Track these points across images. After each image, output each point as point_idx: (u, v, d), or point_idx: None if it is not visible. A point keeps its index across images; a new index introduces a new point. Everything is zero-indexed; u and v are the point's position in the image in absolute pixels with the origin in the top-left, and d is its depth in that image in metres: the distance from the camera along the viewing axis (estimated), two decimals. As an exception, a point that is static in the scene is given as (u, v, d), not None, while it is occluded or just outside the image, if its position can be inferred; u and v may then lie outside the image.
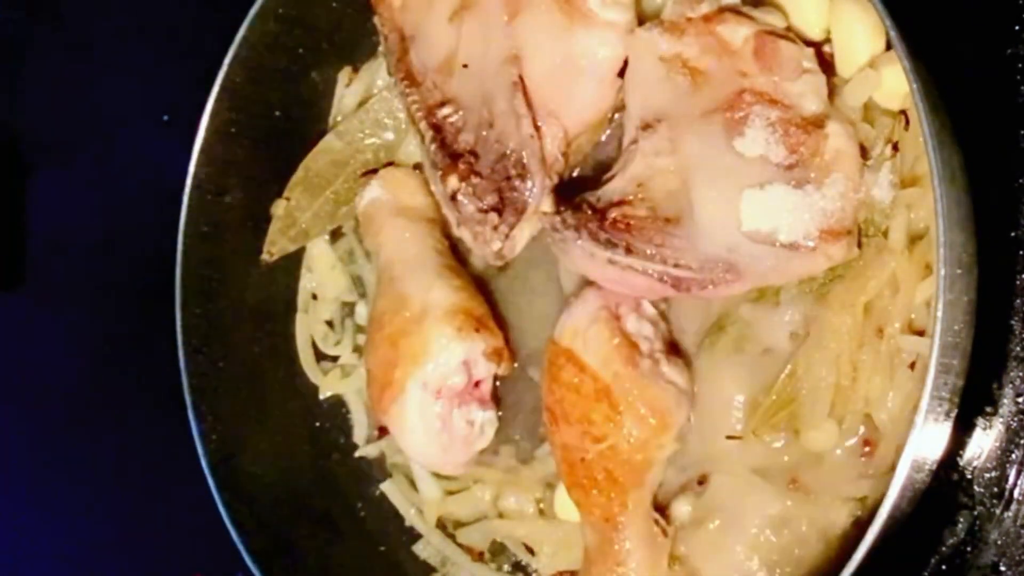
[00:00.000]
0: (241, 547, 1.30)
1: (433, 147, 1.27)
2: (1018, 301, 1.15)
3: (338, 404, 1.46)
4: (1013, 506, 1.14)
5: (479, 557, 1.36)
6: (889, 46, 1.08)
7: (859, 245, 1.09)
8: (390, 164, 1.39)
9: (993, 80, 1.17)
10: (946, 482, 1.15)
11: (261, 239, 1.42)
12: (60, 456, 1.72)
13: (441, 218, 1.33)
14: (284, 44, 1.39)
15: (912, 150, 1.09)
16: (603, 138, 1.28)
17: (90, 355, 1.72)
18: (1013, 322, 1.15)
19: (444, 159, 1.26)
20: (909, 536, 1.11)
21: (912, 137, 1.09)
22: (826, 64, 1.13)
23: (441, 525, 1.38)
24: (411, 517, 1.40)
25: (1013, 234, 1.15)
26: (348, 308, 1.45)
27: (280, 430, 1.43)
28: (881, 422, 1.09)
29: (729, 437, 1.16)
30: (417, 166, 1.37)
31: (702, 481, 1.19)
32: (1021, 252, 1.15)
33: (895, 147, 1.10)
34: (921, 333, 1.09)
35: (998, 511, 1.15)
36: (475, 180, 1.24)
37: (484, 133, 1.25)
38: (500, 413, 1.31)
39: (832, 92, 1.11)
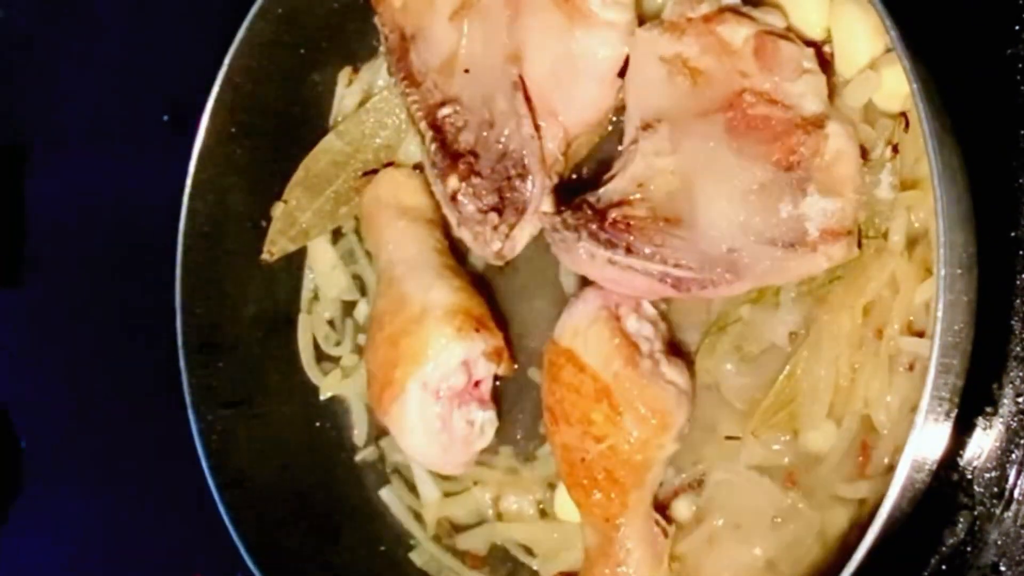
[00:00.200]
0: (241, 547, 1.30)
1: (433, 147, 1.27)
2: (1018, 301, 1.15)
3: (338, 404, 1.46)
4: (1013, 506, 1.14)
5: (479, 563, 1.36)
6: (889, 47, 1.08)
7: (859, 246, 1.09)
8: (390, 164, 1.40)
9: (993, 80, 1.17)
10: (946, 482, 1.15)
11: (261, 239, 1.42)
12: (60, 456, 1.73)
13: (441, 218, 1.33)
14: (284, 44, 1.39)
15: (912, 152, 1.09)
16: (603, 138, 1.28)
17: (90, 354, 1.72)
18: (1013, 322, 1.15)
19: (444, 159, 1.26)
20: (909, 536, 1.10)
21: (912, 139, 1.09)
22: (826, 64, 1.13)
23: (441, 530, 1.38)
24: (409, 524, 1.40)
25: (1013, 234, 1.15)
26: (348, 308, 1.45)
27: (280, 430, 1.43)
28: (880, 423, 1.09)
29: (728, 437, 1.17)
30: (417, 166, 1.37)
31: (702, 481, 1.19)
32: (1021, 252, 1.15)
33: (895, 149, 1.10)
34: (920, 334, 1.09)
35: (998, 511, 1.15)
36: (475, 180, 1.24)
37: (484, 133, 1.25)
38: (500, 413, 1.31)
39: (832, 92, 1.11)
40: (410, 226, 1.33)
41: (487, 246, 1.24)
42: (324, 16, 1.40)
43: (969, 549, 1.15)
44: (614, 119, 1.26)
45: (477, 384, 1.29)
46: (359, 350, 1.43)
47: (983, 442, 1.15)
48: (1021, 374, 1.15)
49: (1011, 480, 1.15)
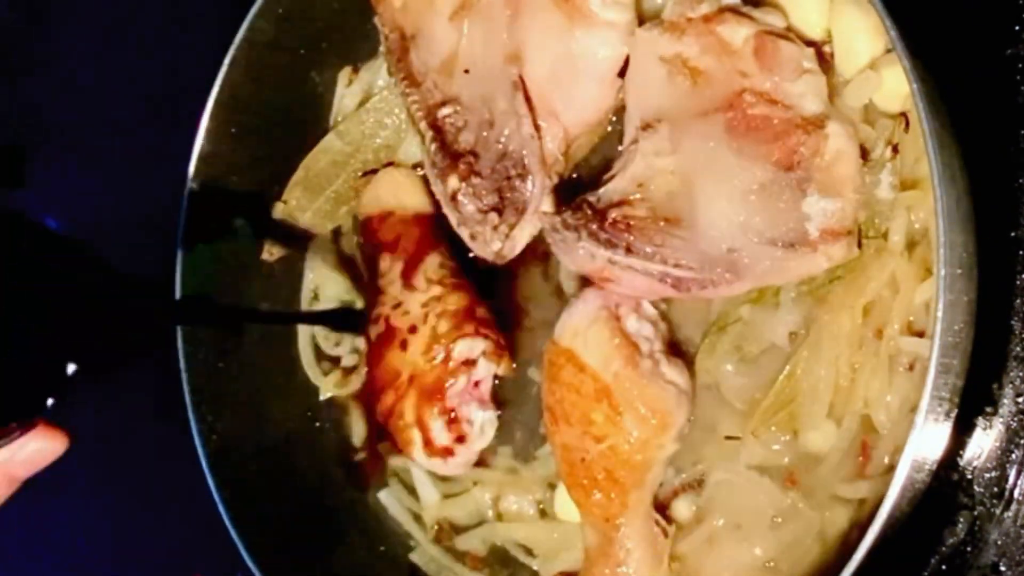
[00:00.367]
0: (241, 547, 1.30)
1: (433, 147, 1.27)
2: (1018, 301, 1.15)
3: (338, 405, 1.46)
4: (1013, 506, 1.14)
5: (479, 563, 1.35)
6: (889, 47, 1.08)
7: (859, 246, 1.09)
8: (390, 164, 1.39)
9: (993, 80, 1.17)
10: (946, 482, 1.15)
11: (261, 239, 1.42)
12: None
13: (441, 218, 1.33)
14: (284, 44, 1.39)
15: (912, 152, 1.09)
16: (603, 138, 1.28)
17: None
18: (1013, 322, 1.15)
19: (444, 159, 1.26)
20: (909, 536, 1.10)
21: (912, 139, 1.09)
22: (826, 64, 1.13)
23: (441, 531, 1.38)
24: (409, 525, 1.40)
25: (1013, 234, 1.15)
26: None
27: (280, 430, 1.43)
28: (880, 423, 1.09)
29: (728, 437, 1.17)
30: (417, 166, 1.37)
31: (702, 481, 1.19)
32: (1021, 252, 1.15)
33: (895, 149, 1.10)
34: (920, 334, 1.09)
35: (998, 511, 1.15)
36: (475, 180, 1.24)
37: (484, 133, 1.25)
38: (500, 413, 1.31)
39: (832, 92, 1.11)
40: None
41: (487, 246, 1.24)
42: (324, 16, 1.40)
43: (969, 549, 1.15)
44: (614, 119, 1.26)
45: (477, 384, 1.29)
46: (359, 350, 1.43)
47: (983, 442, 1.15)
48: (1021, 374, 1.15)
49: (1011, 480, 1.15)
